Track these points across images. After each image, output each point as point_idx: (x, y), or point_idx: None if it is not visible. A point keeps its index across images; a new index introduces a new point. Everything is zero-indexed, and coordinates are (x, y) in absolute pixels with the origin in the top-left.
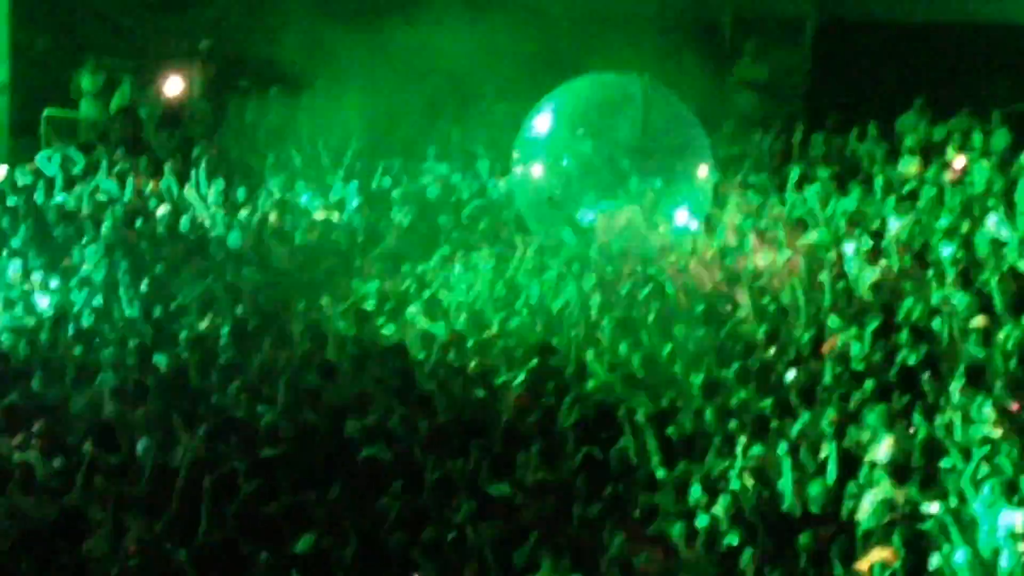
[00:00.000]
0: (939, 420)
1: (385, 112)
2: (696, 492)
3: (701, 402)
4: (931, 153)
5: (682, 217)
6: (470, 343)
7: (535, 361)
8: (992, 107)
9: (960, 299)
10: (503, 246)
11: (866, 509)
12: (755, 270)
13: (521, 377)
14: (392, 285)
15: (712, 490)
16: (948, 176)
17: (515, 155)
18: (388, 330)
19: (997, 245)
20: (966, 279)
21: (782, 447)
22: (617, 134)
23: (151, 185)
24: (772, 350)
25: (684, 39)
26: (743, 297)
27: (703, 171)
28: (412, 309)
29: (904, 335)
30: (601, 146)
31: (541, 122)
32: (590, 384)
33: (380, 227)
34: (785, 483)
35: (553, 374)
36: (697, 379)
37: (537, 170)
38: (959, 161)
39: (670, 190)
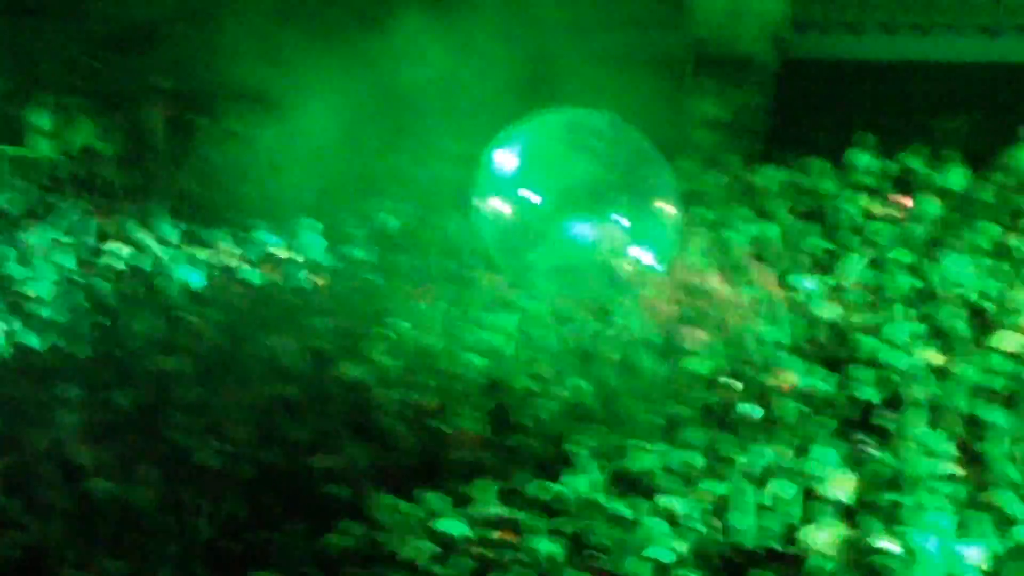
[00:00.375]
0: (898, 456)
1: (347, 148)
2: (654, 527)
3: (659, 437)
4: (889, 190)
5: (646, 254)
6: (427, 381)
7: (484, 399)
8: (949, 144)
9: (918, 335)
10: (464, 283)
11: (824, 545)
12: (715, 306)
13: (470, 414)
14: (352, 323)
15: (670, 525)
16: (895, 212)
17: (479, 191)
18: (347, 369)
19: (955, 282)
20: (924, 315)
21: (741, 483)
22: (581, 171)
23: (111, 224)
24: (731, 386)
25: (644, 76)
26: (702, 333)
27: (668, 209)
28: (372, 348)
29: (863, 371)
30: (565, 182)
31: (505, 158)
32: (544, 420)
33: (341, 265)
34: (743, 519)
35: (506, 411)
36: (654, 415)
37: (501, 206)
38: (904, 200)
39: (634, 227)
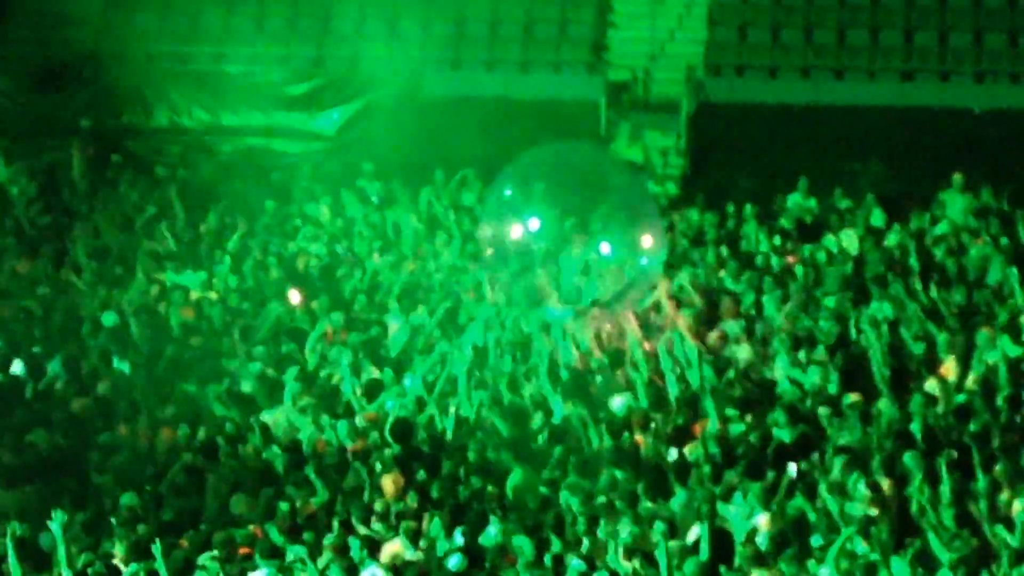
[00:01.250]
0: (813, 498)
1: (265, 189)
2: (571, 569)
3: (575, 481)
4: (806, 233)
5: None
6: (345, 425)
7: (397, 447)
8: (863, 186)
9: (836, 377)
10: (380, 325)
11: None
12: (633, 350)
13: (388, 459)
14: (270, 365)
15: (588, 568)
16: (788, 260)
17: (481, 226)
18: (268, 413)
19: (871, 323)
20: (843, 358)
21: (657, 526)
22: (574, 202)
23: (23, 265)
24: (649, 429)
25: (560, 121)
26: (618, 375)
27: (647, 241)
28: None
29: (778, 414)
30: (559, 214)
31: (504, 192)
32: (460, 464)
33: (256, 305)
34: (660, 561)
35: (422, 455)
36: (572, 458)
37: (514, 235)
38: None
39: (621, 256)
